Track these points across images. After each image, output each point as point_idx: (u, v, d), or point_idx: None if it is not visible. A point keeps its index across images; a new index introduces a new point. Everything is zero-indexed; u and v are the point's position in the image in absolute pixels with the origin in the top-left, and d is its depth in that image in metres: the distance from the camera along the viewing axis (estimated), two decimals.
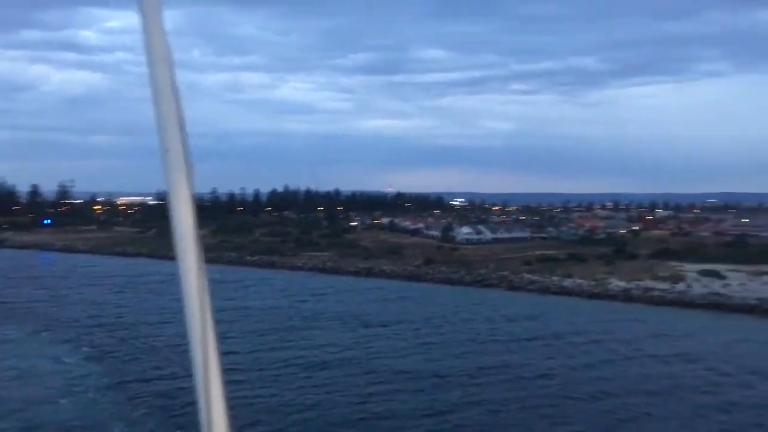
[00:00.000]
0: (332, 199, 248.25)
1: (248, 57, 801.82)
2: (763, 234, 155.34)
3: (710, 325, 58.63)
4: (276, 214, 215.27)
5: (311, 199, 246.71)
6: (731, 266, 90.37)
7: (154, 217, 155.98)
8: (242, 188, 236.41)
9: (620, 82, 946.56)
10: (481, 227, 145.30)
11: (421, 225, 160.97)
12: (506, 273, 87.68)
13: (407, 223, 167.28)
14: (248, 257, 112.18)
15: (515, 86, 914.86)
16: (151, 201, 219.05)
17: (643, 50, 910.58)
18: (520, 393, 36.52)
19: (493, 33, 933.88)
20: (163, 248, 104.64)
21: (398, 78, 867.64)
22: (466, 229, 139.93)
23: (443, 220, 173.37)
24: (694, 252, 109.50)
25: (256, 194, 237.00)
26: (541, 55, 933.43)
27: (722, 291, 74.20)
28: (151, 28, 1.87)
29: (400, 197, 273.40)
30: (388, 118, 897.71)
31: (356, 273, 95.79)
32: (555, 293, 77.73)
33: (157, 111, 1.87)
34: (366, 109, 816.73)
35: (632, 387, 38.13)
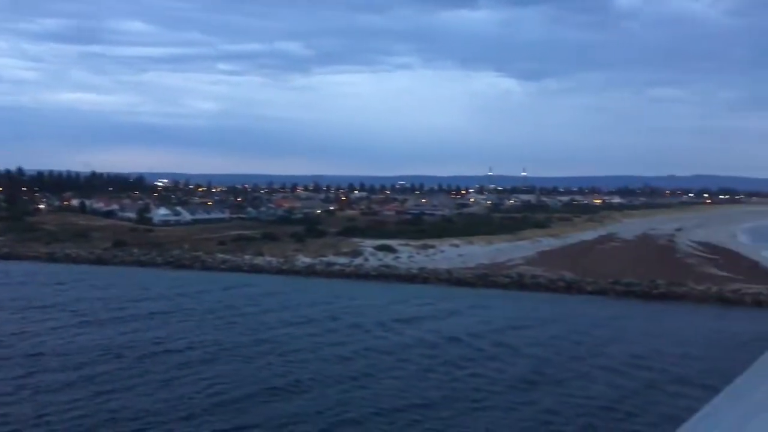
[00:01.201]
0: (14, 178, 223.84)
1: None
2: (437, 212, 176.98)
3: (376, 292, 66.07)
4: None
5: None
6: (404, 241, 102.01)
7: None
8: None
9: (323, 69, 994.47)
10: (179, 208, 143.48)
11: (115, 207, 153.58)
12: (200, 253, 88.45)
13: (101, 205, 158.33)
14: None
15: (222, 66, 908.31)
16: None
17: (344, 40, 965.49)
18: (171, 362, 38.20)
19: (197, 10, 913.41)
20: None
21: (94, 49, 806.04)
22: (163, 211, 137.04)
23: (141, 202, 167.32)
24: (376, 229, 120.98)
25: None
26: (248, 36, 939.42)
27: (392, 263, 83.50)
28: None
29: (95, 177, 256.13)
30: (83, 92, 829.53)
31: (37, 258, 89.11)
32: (246, 271, 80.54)
33: None
34: (57, 81, 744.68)
35: (286, 348, 42.06)
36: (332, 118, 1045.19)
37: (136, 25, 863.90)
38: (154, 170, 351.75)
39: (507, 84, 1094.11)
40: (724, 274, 77.75)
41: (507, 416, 29.56)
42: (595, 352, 42.16)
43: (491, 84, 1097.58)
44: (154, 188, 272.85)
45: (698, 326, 50.97)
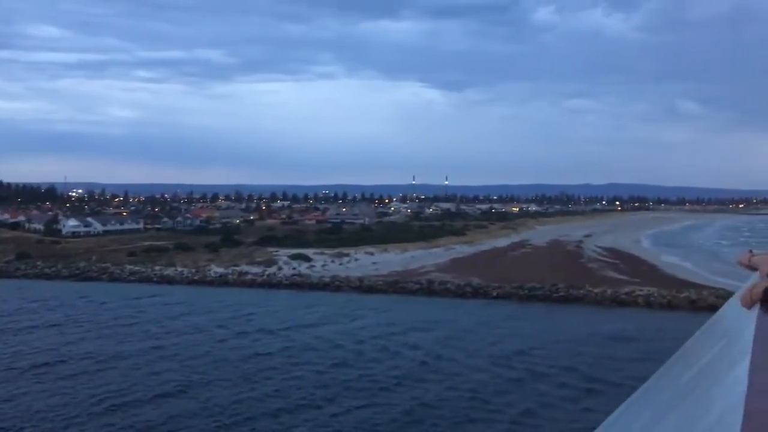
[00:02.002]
0: None
1: None
2: (358, 221, 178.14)
3: (285, 300, 66.47)
4: None
5: None
6: (319, 250, 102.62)
7: None
8: None
9: (245, 77, 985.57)
10: (90, 219, 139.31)
11: (22, 218, 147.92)
12: (108, 265, 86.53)
13: (6, 216, 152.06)
14: None
15: (140, 73, 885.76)
16: None
17: (266, 48, 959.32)
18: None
19: (114, 15, 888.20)
20: None
21: (4, 54, 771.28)
22: (72, 222, 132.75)
23: (50, 213, 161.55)
24: (295, 238, 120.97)
25: None
26: (168, 43, 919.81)
27: (306, 272, 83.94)
28: None
29: (3, 188, 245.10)
30: None
31: None
32: (157, 282, 79.26)
33: None
34: None
35: (184, 354, 42.28)
36: (255, 126, 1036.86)
37: (50, 30, 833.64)
38: (69, 180, 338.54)
39: (430, 94, 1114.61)
40: (623, 277, 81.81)
41: (389, 411, 30.97)
42: (486, 348, 44.23)
43: (415, 94, 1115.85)
44: (68, 198, 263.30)
45: (586, 325, 53.70)
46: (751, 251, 4.61)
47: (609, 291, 69.42)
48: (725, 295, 63.42)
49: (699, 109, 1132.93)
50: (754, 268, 4.24)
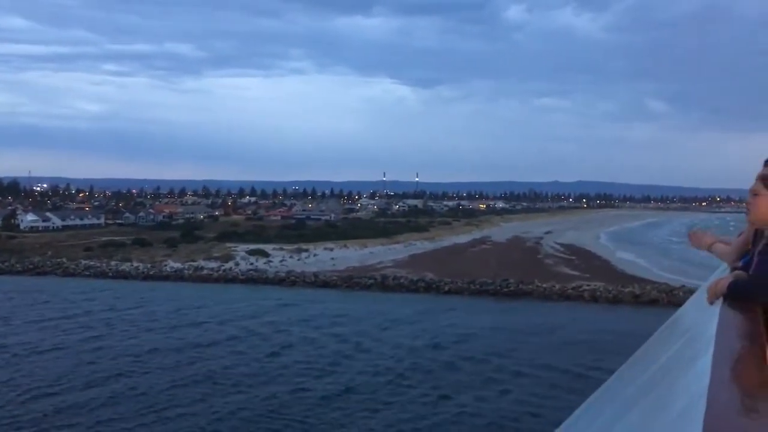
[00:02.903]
0: None
1: None
2: (323, 217, 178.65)
3: (239, 295, 66.93)
4: None
5: None
6: (279, 245, 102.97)
7: None
8: None
9: (215, 72, 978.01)
10: (49, 214, 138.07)
11: None
12: (63, 260, 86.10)
13: None
14: None
15: (108, 66, 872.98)
16: None
17: (237, 43, 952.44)
18: None
19: (82, 7, 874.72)
20: None
21: None
22: (31, 216, 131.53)
23: (10, 207, 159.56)
24: (256, 234, 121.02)
25: None
26: (137, 36, 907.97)
27: (262, 267, 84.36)
28: None
29: None
30: None
31: None
32: (112, 277, 79.21)
33: None
34: None
35: (120, 345, 42.78)
36: (225, 121, 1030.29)
37: (16, 22, 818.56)
38: (34, 174, 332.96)
39: (401, 91, 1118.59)
40: (575, 272, 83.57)
41: (318, 395, 32.31)
42: (424, 336, 45.80)
43: (386, 90, 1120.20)
44: (30, 193, 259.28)
45: (527, 317, 55.19)
46: (717, 237, 4.05)
47: (557, 286, 71.12)
48: (667, 290, 65.90)
49: (667, 108, 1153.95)
50: (709, 250, 3.93)
